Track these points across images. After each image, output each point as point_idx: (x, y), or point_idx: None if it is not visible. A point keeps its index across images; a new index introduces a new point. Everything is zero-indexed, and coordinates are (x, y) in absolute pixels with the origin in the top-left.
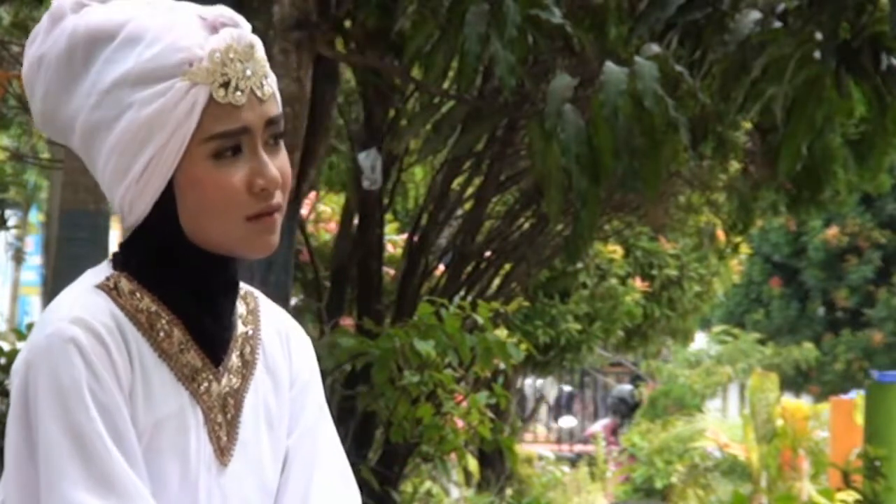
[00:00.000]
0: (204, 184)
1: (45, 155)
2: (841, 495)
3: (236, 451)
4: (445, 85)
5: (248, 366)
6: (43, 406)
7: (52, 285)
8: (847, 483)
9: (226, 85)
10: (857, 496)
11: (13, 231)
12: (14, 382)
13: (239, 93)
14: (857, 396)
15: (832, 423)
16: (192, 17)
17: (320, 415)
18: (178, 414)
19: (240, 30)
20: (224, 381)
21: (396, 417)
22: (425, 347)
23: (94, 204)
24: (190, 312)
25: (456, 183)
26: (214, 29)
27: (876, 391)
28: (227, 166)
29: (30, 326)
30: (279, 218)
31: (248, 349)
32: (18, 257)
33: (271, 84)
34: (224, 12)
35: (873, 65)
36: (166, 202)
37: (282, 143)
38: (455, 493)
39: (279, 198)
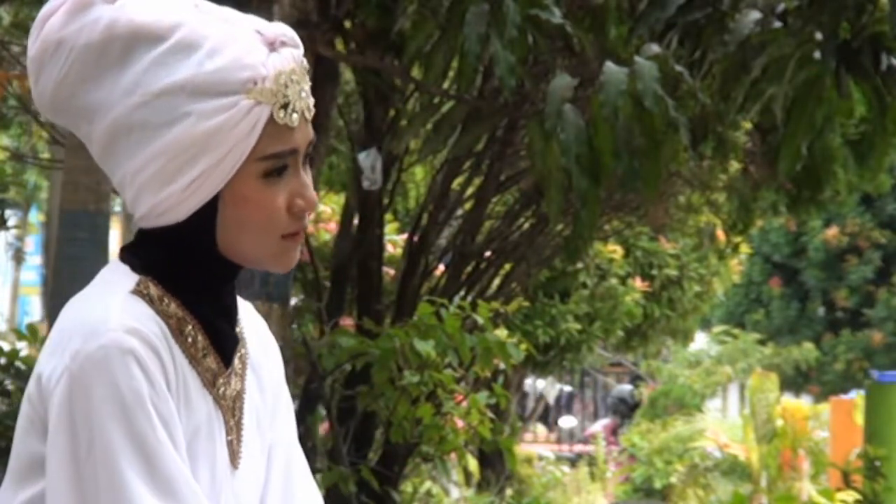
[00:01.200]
0: (250, 202)
1: (45, 155)
2: (841, 495)
3: (244, 453)
4: (445, 85)
5: (244, 366)
6: (103, 419)
7: (52, 285)
8: (847, 483)
9: (285, 106)
10: (857, 496)
11: (13, 231)
12: (53, 392)
13: (295, 115)
14: (857, 396)
15: (832, 423)
16: (250, 32)
17: (288, 412)
18: (207, 419)
19: (299, 50)
20: (233, 383)
21: (396, 417)
22: (425, 347)
23: (94, 204)
24: (209, 317)
25: (456, 183)
26: (273, 46)
27: (876, 391)
28: (273, 186)
29: (30, 326)
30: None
31: (243, 350)
32: (18, 257)
33: (313, 104)
34: (285, 31)
35: (873, 65)
36: (205, 213)
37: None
38: (455, 493)
39: (308, 219)
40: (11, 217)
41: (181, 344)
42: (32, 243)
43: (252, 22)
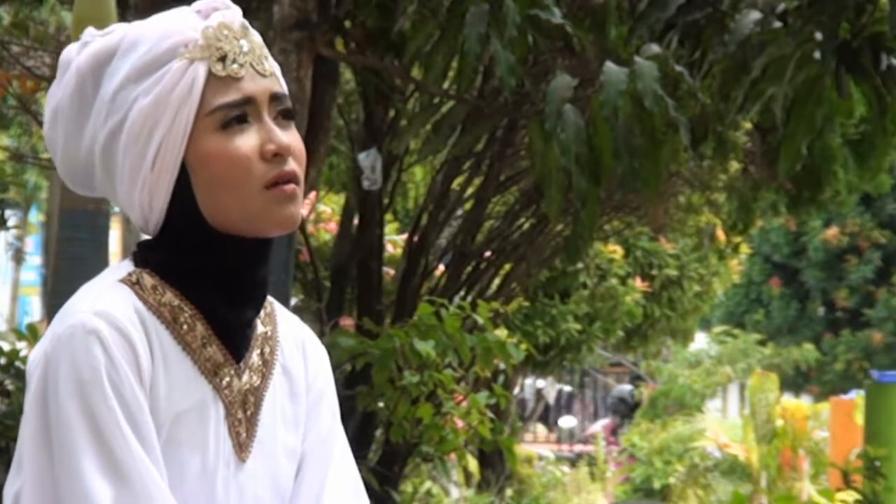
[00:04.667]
0: (214, 156)
1: (45, 155)
2: (841, 495)
3: (254, 448)
4: (445, 85)
5: (267, 365)
6: (62, 395)
7: (52, 285)
8: (847, 483)
9: (223, 59)
10: (857, 496)
11: (13, 231)
12: (33, 374)
13: (237, 65)
14: (857, 396)
15: (832, 423)
16: (185, 11)
17: (334, 423)
18: (199, 407)
19: (231, 11)
20: (245, 377)
21: (396, 417)
22: (425, 347)
23: (94, 204)
24: (212, 307)
25: (456, 183)
26: (206, 15)
27: (876, 391)
28: (236, 136)
29: (30, 326)
30: (299, 191)
31: (267, 349)
32: (18, 257)
33: (273, 64)
34: (215, 2)
35: (873, 65)
36: (184, 192)
37: (293, 124)
38: (455, 493)
39: (293, 165)
40: (11, 217)
41: (173, 331)
42: (32, 243)
43: (191, 7)
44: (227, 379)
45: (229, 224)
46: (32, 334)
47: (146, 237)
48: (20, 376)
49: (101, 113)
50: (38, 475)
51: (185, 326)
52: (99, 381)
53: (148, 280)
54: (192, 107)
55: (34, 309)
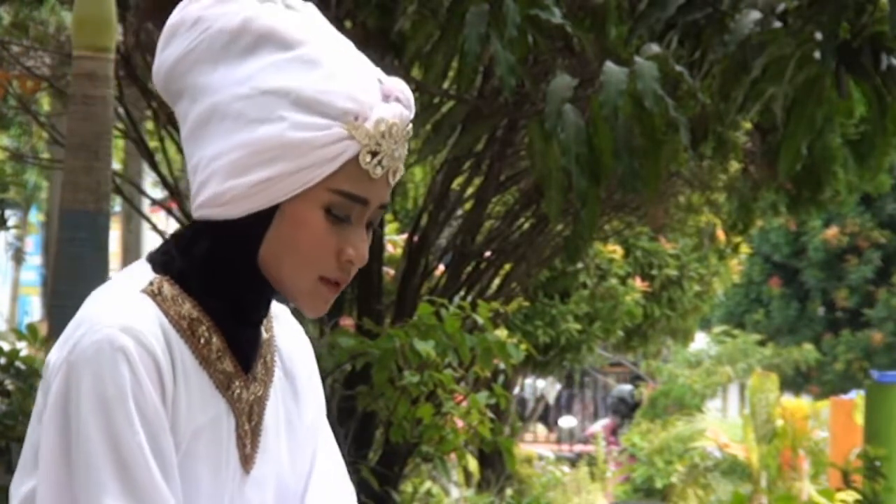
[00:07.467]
0: (305, 227)
1: (45, 155)
2: (841, 495)
3: (258, 458)
4: (445, 85)
5: (269, 372)
6: (85, 412)
7: (52, 285)
8: (847, 483)
9: (374, 154)
10: (857, 496)
11: (13, 231)
12: (52, 380)
13: (380, 168)
14: (857, 396)
15: (832, 423)
16: (372, 75)
17: (320, 412)
18: (214, 422)
19: (409, 113)
20: (251, 388)
21: (396, 417)
22: (425, 347)
23: (94, 204)
24: (228, 321)
25: (456, 183)
26: (387, 97)
27: (876, 391)
28: (333, 223)
29: (30, 326)
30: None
31: (269, 356)
32: (18, 257)
33: (400, 174)
34: (403, 89)
35: (873, 65)
36: (261, 220)
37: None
38: (455, 493)
39: (353, 273)
40: (11, 217)
41: (192, 345)
42: (32, 243)
43: (376, 70)
44: (238, 391)
45: (272, 276)
46: (32, 334)
47: (185, 228)
48: (20, 376)
49: (242, 87)
50: (57, 488)
51: (202, 340)
52: (124, 400)
53: (168, 290)
54: (324, 174)
55: (34, 309)
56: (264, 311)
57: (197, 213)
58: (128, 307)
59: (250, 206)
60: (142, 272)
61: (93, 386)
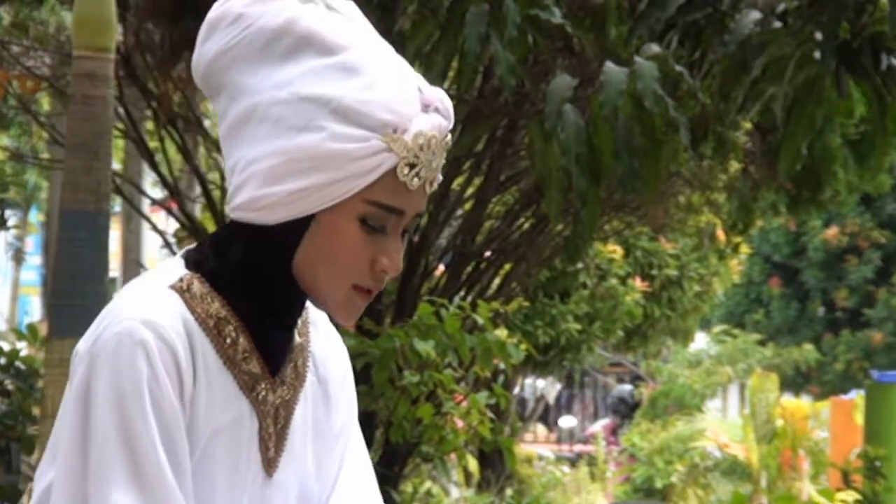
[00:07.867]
0: (340, 237)
1: (45, 155)
2: (841, 495)
3: (282, 462)
4: (445, 85)
5: (299, 377)
6: (102, 405)
7: (52, 285)
8: (847, 483)
9: (412, 166)
10: (857, 496)
11: (13, 231)
12: (76, 370)
13: (417, 179)
14: (857, 396)
15: (832, 423)
16: (412, 84)
17: (352, 419)
18: (235, 422)
19: (448, 123)
20: (279, 391)
21: (396, 417)
22: (425, 347)
23: (94, 204)
24: (258, 323)
25: (456, 183)
26: (426, 108)
27: (876, 391)
28: (367, 235)
29: (30, 326)
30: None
31: (300, 360)
32: (18, 257)
33: (437, 182)
34: (443, 99)
35: (873, 65)
36: (296, 228)
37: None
38: (455, 493)
39: (385, 281)
40: (11, 217)
41: (217, 344)
42: (32, 243)
43: (416, 77)
44: (263, 393)
45: (306, 283)
46: (32, 334)
47: (221, 228)
48: (20, 376)
49: (281, 91)
50: (72, 478)
51: (228, 340)
52: (140, 394)
53: (198, 287)
54: (361, 185)
55: (34, 309)
56: (297, 315)
57: (233, 215)
58: (152, 301)
59: (286, 213)
60: (174, 268)
61: (110, 379)
